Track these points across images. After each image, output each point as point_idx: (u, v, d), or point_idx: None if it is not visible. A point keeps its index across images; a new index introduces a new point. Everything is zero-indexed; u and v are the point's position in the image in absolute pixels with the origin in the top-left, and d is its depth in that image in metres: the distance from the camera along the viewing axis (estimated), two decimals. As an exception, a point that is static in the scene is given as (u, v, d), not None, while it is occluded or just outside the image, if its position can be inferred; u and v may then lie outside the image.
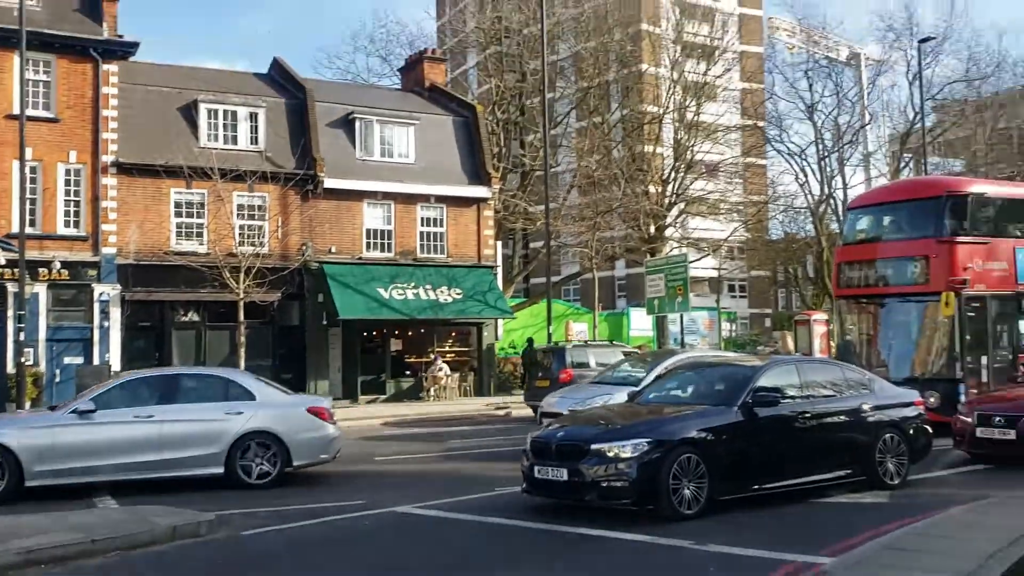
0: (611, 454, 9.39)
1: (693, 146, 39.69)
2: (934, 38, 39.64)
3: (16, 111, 22.64)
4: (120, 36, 26.59)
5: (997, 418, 12.91)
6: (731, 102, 45.47)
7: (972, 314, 17.06)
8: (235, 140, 28.23)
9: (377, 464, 15.17)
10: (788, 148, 43.98)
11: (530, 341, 31.98)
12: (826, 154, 42.96)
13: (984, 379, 16.94)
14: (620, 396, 13.93)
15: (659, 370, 14.91)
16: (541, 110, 31.42)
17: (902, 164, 44.53)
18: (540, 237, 42.88)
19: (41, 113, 24.95)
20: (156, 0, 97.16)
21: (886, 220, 19.34)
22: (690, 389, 11.58)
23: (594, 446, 9.52)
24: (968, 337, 16.89)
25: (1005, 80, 44.69)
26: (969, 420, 13.28)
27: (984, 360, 17.09)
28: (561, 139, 41.08)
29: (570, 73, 42.27)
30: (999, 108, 44.23)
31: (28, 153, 22.27)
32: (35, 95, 24.89)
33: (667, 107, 40.54)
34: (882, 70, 44.88)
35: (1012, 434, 12.61)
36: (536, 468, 9.90)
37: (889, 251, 18.44)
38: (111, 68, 26.23)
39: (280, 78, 31.86)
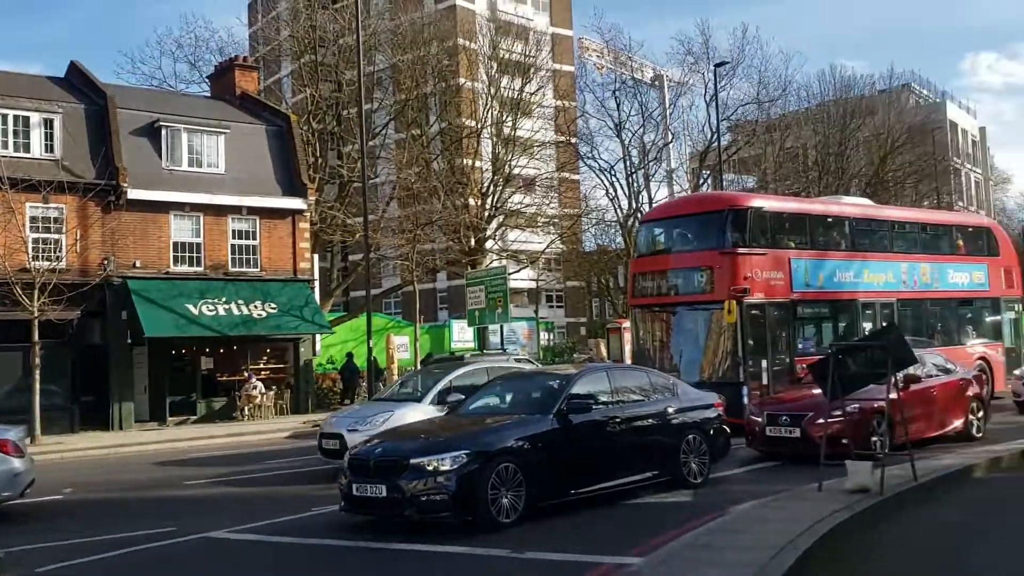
0: (430, 468, 9.42)
1: (511, 160, 40.51)
2: (728, 63, 42.39)
3: None
4: None
5: (784, 417, 13.92)
6: (545, 118, 46.80)
7: (753, 321, 17.95)
8: (27, 148, 26.25)
9: (187, 488, 14.52)
10: (599, 164, 45.80)
11: (349, 356, 31.56)
12: (633, 170, 44.99)
13: (765, 382, 17.83)
14: (407, 412, 13.91)
15: (444, 383, 14.86)
16: (358, 121, 31.09)
17: (701, 180, 47.23)
18: (359, 250, 42.37)
19: None
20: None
21: (675, 233, 20.20)
22: (509, 399, 11.80)
23: (413, 460, 9.52)
24: (750, 343, 17.77)
25: (791, 103, 48.53)
26: (759, 420, 14.24)
27: (764, 364, 17.93)
28: (380, 150, 40.84)
29: (388, 85, 42.08)
30: (786, 129, 47.85)
31: None
32: None
33: (485, 121, 41.17)
34: (682, 92, 47.48)
35: (797, 432, 13.62)
36: (354, 486, 9.78)
37: (677, 262, 19.27)
38: None
39: (78, 83, 29.92)
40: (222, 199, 28.65)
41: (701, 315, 18.57)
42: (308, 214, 31.06)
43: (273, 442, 22.38)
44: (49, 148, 26.56)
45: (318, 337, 31.32)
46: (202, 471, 16.60)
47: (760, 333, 18.18)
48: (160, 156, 28.51)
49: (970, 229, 25.34)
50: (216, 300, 27.65)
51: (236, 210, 29.07)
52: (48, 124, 26.73)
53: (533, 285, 52.22)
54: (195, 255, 28.37)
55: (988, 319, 24.54)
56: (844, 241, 21.09)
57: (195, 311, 27.00)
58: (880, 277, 21.18)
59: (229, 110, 31.93)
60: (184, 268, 28.06)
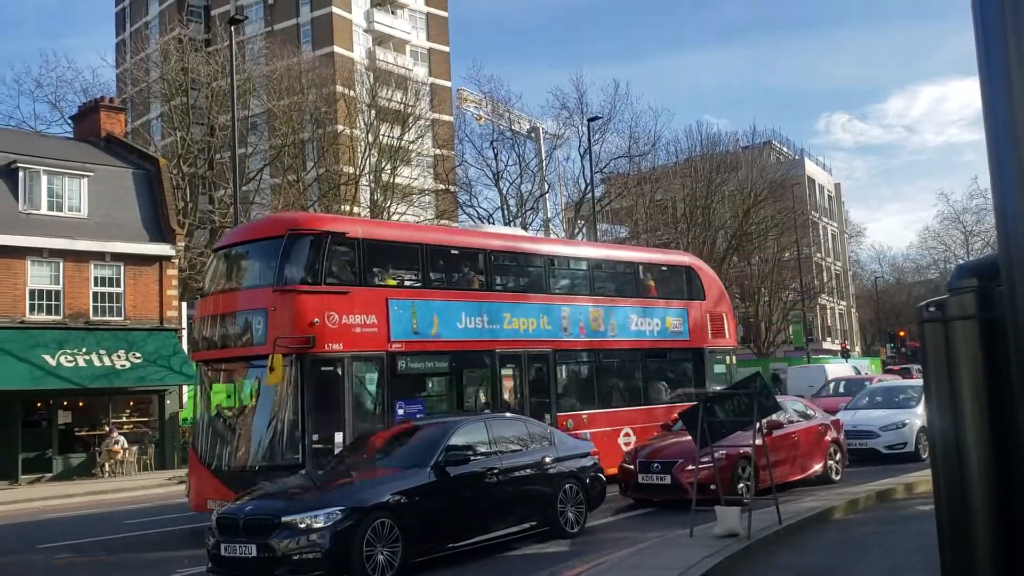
0: (303, 525, 9.15)
1: (389, 207, 40.46)
2: (601, 117, 43.76)
3: None
4: None
5: (655, 465, 14.22)
6: (425, 166, 47.04)
7: (322, 381, 13.49)
8: None
9: (40, 553, 13.59)
10: (478, 212, 46.20)
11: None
12: (511, 219, 45.55)
13: None
14: None
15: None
16: (231, 165, 30.47)
17: (576, 229, 48.30)
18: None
19: None
20: None
21: (235, 265, 15.38)
22: (387, 451, 11.61)
23: (285, 518, 9.22)
24: (315, 411, 13.24)
25: (660, 157, 50.37)
26: (632, 467, 14.49)
27: (340, 438, 13.33)
28: (254, 195, 40.08)
29: (263, 129, 41.56)
30: (656, 182, 49.59)
31: None
32: None
33: (363, 168, 41.05)
34: (558, 144, 48.70)
35: (668, 479, 13.93)
36: (223, 546, 9.39)
37: (229, 304, 14.45)
38: None
39: (-75, 119, 28.32)
40: (84, 244, 27.42)
41: (257, 374, 13.68)
42: (176, 260, 30.07)
43: (137, 500, 21.28)
44: None
45: (185, 389, 30.13)
46: (57, 534, 15.60)
47: (334, 397, 13.59)
48: (17, 199, 27.13)
49: (663, 268, 21.03)
50: (76, 350, 26.29)
51: (99, 256, 27.84)
52: None
53: (410, 333, 51.81)
54: (54, 303, 26.98)
55: (689, 373, 20.16)
56: (476, 278, 16.82)
57: (52, 362, 25.59)
58: (528, 323, 16.97)
59: (93, 152, 30.73)
60: (42, 316, 26.62)
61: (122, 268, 28.39)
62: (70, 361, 25.97)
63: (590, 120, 42.11)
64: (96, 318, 27.63)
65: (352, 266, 14.68)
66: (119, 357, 27.05)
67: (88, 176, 28.51)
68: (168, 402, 29.13)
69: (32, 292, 26.61)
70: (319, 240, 14.14)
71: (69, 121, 36.36)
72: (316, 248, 14.07)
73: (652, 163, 49.59)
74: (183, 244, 30.74)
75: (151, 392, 28.67)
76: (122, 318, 28.22)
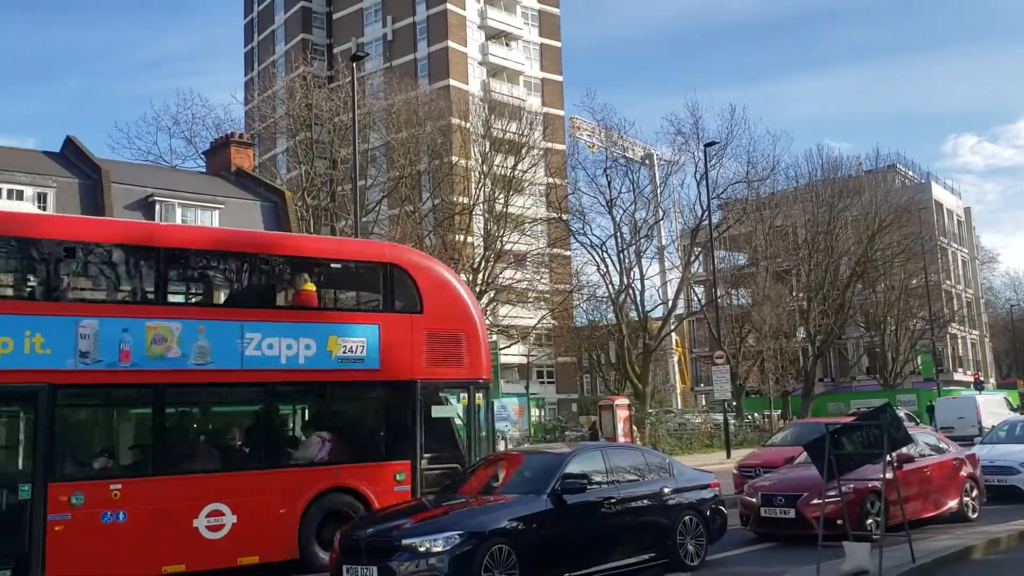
0: (422, 549, 9.25)
1: (502, 236, 40.86)
2: (717, 143, 43.07)
3: None
4: None
5: (779, 498, 13.75)
6: (537, 195, 47.38)
7: None
8: (20, 221, 26.32)
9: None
10: (590, 240, 46.11)
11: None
12: (624, 246, 45.31)
13: None
14: None
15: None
16: (352, 197, 31.42)
17: (692, 257, 47.62)
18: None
19: None
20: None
21: None
22: (502, 478, 11.64)
23: (405, 541, 9.35)
24: None
25: (779, 182, 49.26)
26: (754, 501, 14.07)
27: None
28: (373, 226, 41.14)
29: (382, 162, 42.74)
30: (775, 207, 48.49)
31: None
32: None
33: (477, 198, 41.67)
34: (673, 170, 48.25)
35: (792, 513, 13.45)
36: (344, 567, 9.59)
37: None
38: None
39: (73, 157, 30.26)
40: (214, 273, 28.64)
41: None
42: (300, 289, 31.06)
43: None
44: (43, 222, 26.65)
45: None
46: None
47: None
48: (154, 231, 28.63)
49: (336, 265, 14.40)
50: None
51: (228, 285, 29.04)
52: (41, 198, 26.94)
53: (524, 360, 52.14)
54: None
55: (380, 418, 13.90)
56: None
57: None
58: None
59: (224, 186, 32.24)
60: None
61: (249, 296, 29.52)
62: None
63: (706, 145, 41.55)
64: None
65: None
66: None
67: (219, 208, 29.89)
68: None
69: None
70: None
71: (202, 156, 38.28)
72: None
73: (771, 188, 48.58)
74: (306, 273, 31.77)
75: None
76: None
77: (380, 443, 13.57)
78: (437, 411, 14.05)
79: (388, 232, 39.77)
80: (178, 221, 29.07)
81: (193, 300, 13.51)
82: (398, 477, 13.12)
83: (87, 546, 10.87)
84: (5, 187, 26.41)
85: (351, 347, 13.14)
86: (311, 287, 13.64)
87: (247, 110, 55.87)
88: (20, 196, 26.58)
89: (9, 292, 12.38)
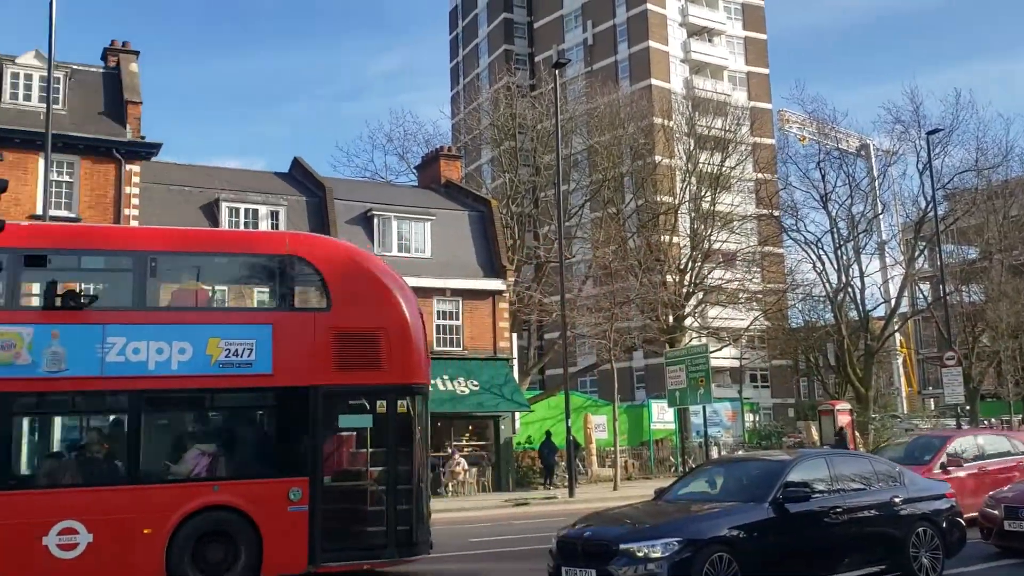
0: (640, 554, 9.11)
1: (710, 235, 39.97)
2: (941, 129, 40.04)
3: (39, 211, 23.03)
4: (143, 137, 27.17)
5: None
6: (746, 192, 45.96)
7: None
8: (254, 237, 28.51)
9: (395, 566, 14.76)
10: (804, 237, 44.13)
11: (547, 434, 31.57)
12: (842, 243, 43.05)
13: None
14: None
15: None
16: (555, 202, 31.75)
17: (916, 252, 44.54)
18: (555, 328, 42.82)
19: (63, 212, 25.36)
20: (179, 104, 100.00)
21: None
22: (719, 485, 11.31)
23: (623, 546, 9.24)
24: None
25: (1014, 169, 45.07)
26: (996, 513, 12.92)
27: None
28: (576, 230, 41.43)
29: (584, 166, 42.96)
30: (1010, 196, 44.43)
31: (51, 252, 22.44)
32: (58, 195, 25.34)
33: (682, 197, 41.02)
34: (892, 160, 45.28)
35: (1042, 526, 12.21)
36: (563, 569, 9.62)
37: None
38: (133, 168, 26.75)
39: (300, 177, 32.44)
40: (428, 282, 29.87)
41: None
42: (507, 294, 31.78)
43: (478, 519, 22.53)
44: (274, 237, 28.76)
45: (517, 415, 31.63)
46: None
47: None
48: (372, 242, 30.20)
49: (219, 259, 13.13)
50: (422, 378, 28.54)
51: (440, 292, 30.22)
52: (274, 216, 29.01)
53: (736, 364, 50.70)
54: (403, 335, 29.54)
55: (269, 428, 12.64)
56: None
57: (402, 389, 27.92)
58: None
59: (435, 197, 33.50)
60: (393, 348, 29.25)
61: (460, 303, 30.57)
62: (417, 388, 28.21)
63: (929, 133, 38.76)
64: (439, 348, 29.89)
65: None
66: (459, 384, 29.05)
67: (431, 220, 31.10)
68: (502, 427, 30.72)
69: (385, 325, 29.34)
70: None
71: (414, 171, 40.00)
72: None
73: (1004, 175, 44.58)
74: (512, 279, 32.45)
75: (487, 418, 30.41)
76: (461, 348, 30.31)
77: (271, 457, 12.28)
78: (346, 421, 12.64)
79: (592, 235, 39.90)
80: (394, 234, 30.48)
81: (51, 303, 11.94)
82: (292, 496, 11.76)
83: None
84: (242, 206, 28.66)
85: (236, 350, 11.94)
86: (192, 285, 12.77)
87: (454, 123, 57.88)
88: (255, 215, 28.81)
89: None
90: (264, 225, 28.80)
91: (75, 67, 28.12)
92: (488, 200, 34.02)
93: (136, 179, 26.79)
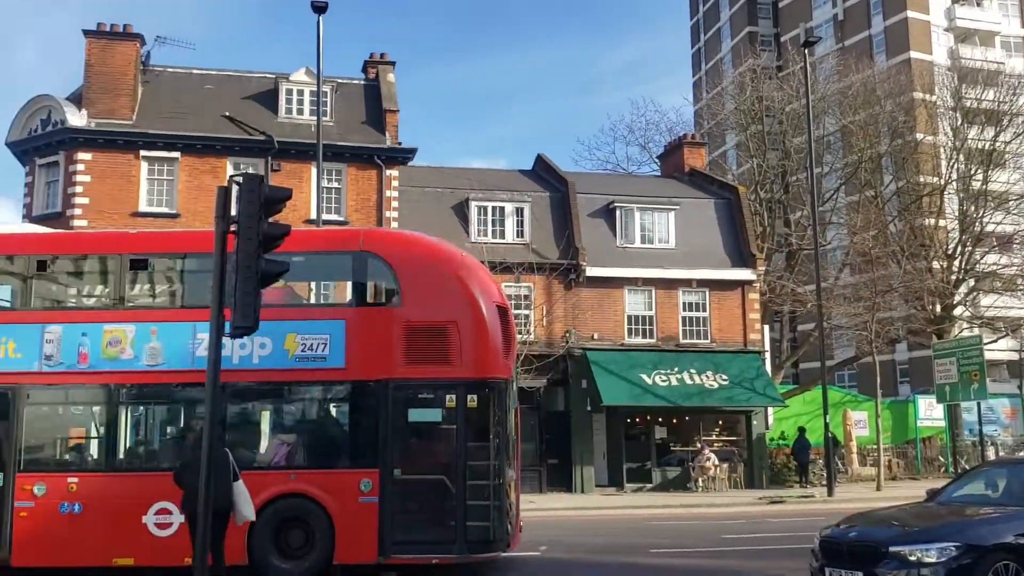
0: (913, 558, 8.47)
1: (982, 217, 36.60)
2: None
3: (313, 216, 25.07)
4: (400, 143, 28.86)
5: None
6: (1024, 168, 41.60)
7: None
8: (503, 234, 29.52)
9: (653, 557, 14.73)
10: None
11: (801, 431, 30.23)
12: None
13: None
14: None
15: None
16: (808, 187, 30.31)
17: None
18: (809, 319, 40.90)
19: (333, 216, 27.44)
20: (430, 108, 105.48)
21: None
22: (1001, 488, 10.30)
23: (893, 548, 8.64)
24: None
25: None
26: None
27: None
28: (830, 216, 39.26)
29: (838, 147, 40.66)
30: None
31: (322, 253, 24.35)
32: (328, 200, 27.46)
33: (949, 177, 37.83)
34: None
35: None
36: (827, 570, 9.14)
37: None
38: (392, 173, 28.50)
39: (543, 173, 33.13)
40: (673, 273, 29.54)
41: None
42: (757, 284, 30.73)
43: (729, 516, 22.01)
44: (520, 233, 29.58)
45: (770, 410, 30.55)
46: (665, 540, 16.76)
47: None
48: (615, 235, 30.29)
49: (297, 257, 12.18)
50: (668, 371, 28.34)
51: (686, 283, 29.76)
52: (519, 212, 29.83)
53: (1015, 356, 45.99)
54: (647, 327, 29.47)
55: (345, 422, 13.03)
56: None
57: (649, 381, 27.91)
58: None
59: (678, 187, 33.03)
60: (638, 340, 29.25)
61: (707, 294, 29.94)
62: (664, 380, 28.05)
63: None
64: (685, 341, 29.49)
65: None
66: (707, 378, 28.47)
67: (675, 210, 30.70)
68: (755, 423, 29.78)
69: (630, 318, 29.41)
70: None
71: (656, 160, 39.65)
72: None
73: None
74: (762, 268, 31.32)
75: (738, 412, 29.59)
76: (708, 341, 29.70)
77: (343, 449, 12.70)
78: (416, 415, 12.46)
79: (848, 220, 37.73)
80: (637, 225, 30.37)
81: (150, 303, 13.61)
82: (363, 487, 11.97)
83: (47, 533, 11.94)
84: (489, 204, 29.70)
85: (311, 345, 12.43)
86: (280, 283, 12.69)
87: (696, 110, 56.78)
88: (501, 212, 29.76)
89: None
90: (510, 222, 29.68)
91: (340, 81, 30.36)
92: (735, 187, 33.07)
93: (395, 183, 28.53)
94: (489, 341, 12.48)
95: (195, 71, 30.47)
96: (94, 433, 12.91)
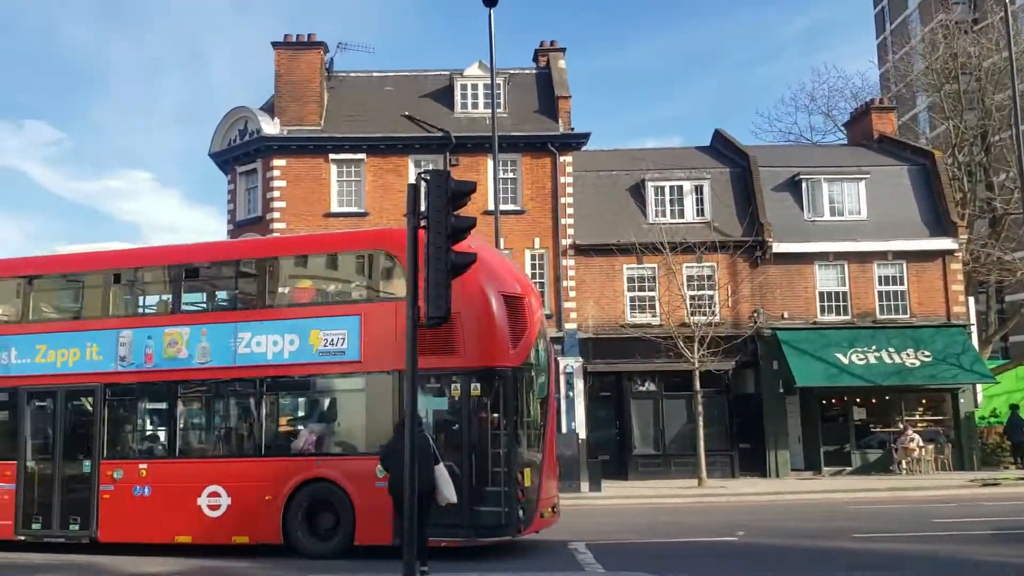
0: None
1: None
2: None
3: (491, 207, 25.49)
4: (572, 129, 28.88)
5: None
6: None
7: None
8: (681, 214, 28.99)
9: (857, 542, 14.09)
10: None
11: (1013, 409, 28.05)
12: None
13: None
14: None
15: None
16: (1013, 146, 27.97)
17: None
18: (1019, 288, 37.90)
19: (510, 207, 27.84)
20: (598, 93, 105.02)
21: None
22: None
23: None
24: None
25: None
26: None
27: None
28: (1040, 176, 36.13)
29: (1046, 101, 37.29)
30: None
31: (501, 243, 24.77)
32: (504, 191, 27.86)
33: None
34: None
35: None
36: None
37: None
38: (566, 159, 28.58)
39: (722, 148, 32.26)
40: (865, 245, 28.10)
41: None
42: (959, 254, 28.74)
43: (938, 499, 20.74)
44: (700, 212, 28.96)
45: (979, 387, 28.54)
46: (869, 525, 16.00)
47: None
48: (801, 208, 29.11)
49: (318, 259, 14.72)
50: (865, 349, 27.04)
51: (881, 255, 28.25)
52: (698, 190, 29.20)
53: None
54: (841, 304, 28.18)
55: (361, 412, 13.47)
56: (13, 310, 15.79)
57: (845, 360, 26.73)
58: (68, 355, 14.74)
59: (867, 154, 31.35)
60: (831, 317, 28.04)
61: (904, 266, 28.29)
62: (861, 359, 26.77)
63: None
64: (882, 316, 28.00)
65: None
66: (907, 355, 26.94)
67: (865, 179, 29.15)
68: (962, 401, 27.93)
69: (821, 295, 28.20)
70: None
71: (841, 128, 37.77)
72: None
73: None
74: (965, 237, 29.23)
75: (943, 390, 27.85)
76: (907, 316, 28.07)
77: (361, 437, 13.31)
78: (424, 404, 12.53)
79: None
80: (824, 197, 29.06)
81: (199, 308, 15.16)
82: (378, 472, 11.92)
83: (125, 513, 13.78)
84: (667, 184, 29.26)
85: (332, 340, 13.31)
86: (305, 284, 14.45)
87: (882, 73, 53.58)
88: (680, 191, 29.25)
89: (80, 316, 15.26)
90: (689, 201, 29.13)
91: (512, 72, 30.73)
92: (930, 151, 31.01)
93: (569, 168, 28.60)
94: (493, 331, 12.75)
95: (375, 74, 31.71)
96: (159, 424, 14.72)
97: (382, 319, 13.10)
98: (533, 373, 13.49)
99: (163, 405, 14.53)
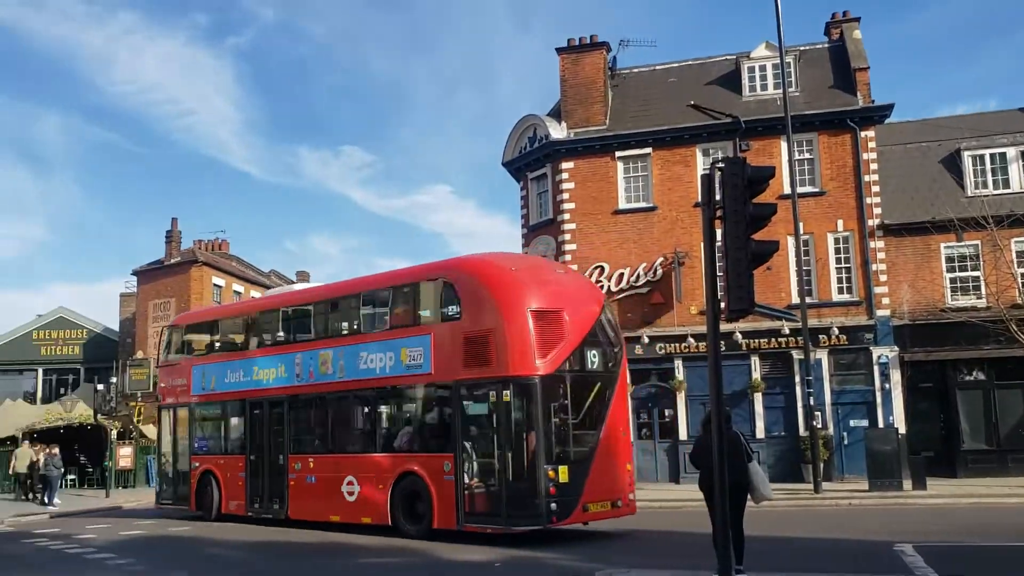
0: None
1: None
2: None
3: (787, 191, 24.38)
4: (873, 102, 26.89)
5: None
6: None
7: (163, 422, 22.40)
8: (1006, 183, 26.13)
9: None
10: None
11: None
12: None
13: (171, 476, 22.01)
14: None
15: None
16: None
17: None
18: None
19: (808, 189, 26.44)
20: (895, 61, 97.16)
21: None
22: None
23: None
24: (163, 442, 22.68)
25: None
26: None
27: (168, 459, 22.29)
28: None
29: None
30: None
31: (799, 227, 23.60)
32: (801, 172, 26.46)
33: None
34: None
35: None
36: None
37: None
38: (868, 134, 26.65)
39: (1050, 106, 28.66)
40: None
41: None
42: None
43: None
44: (1029, 180, 25.87)
45: None
46: None
47: (168, 433, 22.16)
48: None
49: (406, 289, 16.94)
50: None
51: None
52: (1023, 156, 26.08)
53: None
54: None
55: (435, 416, 16.26)
56: (241, 340, 20.77)
57: None
58: (269, 373, 19.17)
59: None
60: None
61: None
62: None
63: None
64: None
65: (180, 346, 22.52)
66: None
67: None
68: None
69: None
70: (167, 332, 23.34)
71: None
72: (168, 337, 23.04)
73: None
74: None
75: None
76: None
77: (433, 437, 15.77)
78: (471, 408, 15.20)
79: None
80: None
81: (334, 333, 18.29)
82: (445, 467, 14.91)
83: (302, 496, 17.86)
84: (987, 152, 26.46)
85: (414, 355, 15.91)
86: (398, 310, 17.03)
87: None
88: (1003, 159, 26.33)
89: (276, 343, 19.55)
90: (1014, 168, 26.13)
91: (801, 48, 29.26)
92: None
93: (871, 144, 26.67)
94: (518, 345, 14.33)
95: (657, 67, 31.49)
96: (318, 426, 18.35)
97: (446, 337, 15.33)
98: (573, 379, 14.67)
99: (320, 411, 18.24)
